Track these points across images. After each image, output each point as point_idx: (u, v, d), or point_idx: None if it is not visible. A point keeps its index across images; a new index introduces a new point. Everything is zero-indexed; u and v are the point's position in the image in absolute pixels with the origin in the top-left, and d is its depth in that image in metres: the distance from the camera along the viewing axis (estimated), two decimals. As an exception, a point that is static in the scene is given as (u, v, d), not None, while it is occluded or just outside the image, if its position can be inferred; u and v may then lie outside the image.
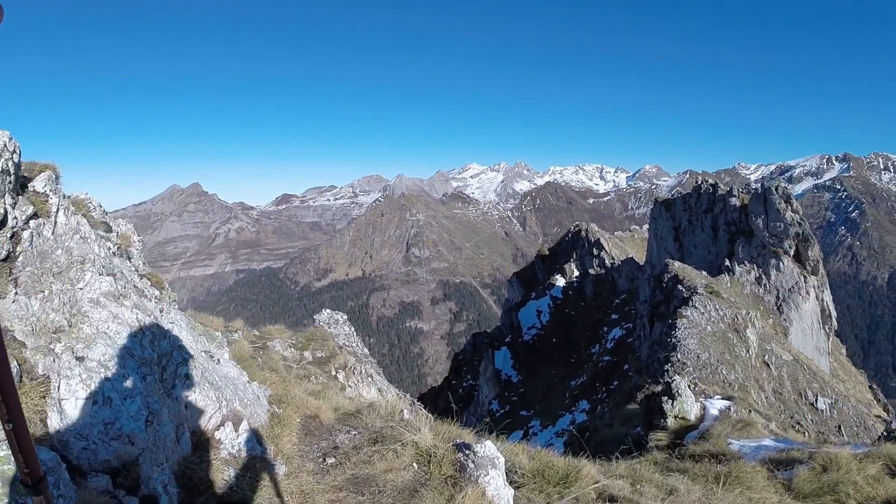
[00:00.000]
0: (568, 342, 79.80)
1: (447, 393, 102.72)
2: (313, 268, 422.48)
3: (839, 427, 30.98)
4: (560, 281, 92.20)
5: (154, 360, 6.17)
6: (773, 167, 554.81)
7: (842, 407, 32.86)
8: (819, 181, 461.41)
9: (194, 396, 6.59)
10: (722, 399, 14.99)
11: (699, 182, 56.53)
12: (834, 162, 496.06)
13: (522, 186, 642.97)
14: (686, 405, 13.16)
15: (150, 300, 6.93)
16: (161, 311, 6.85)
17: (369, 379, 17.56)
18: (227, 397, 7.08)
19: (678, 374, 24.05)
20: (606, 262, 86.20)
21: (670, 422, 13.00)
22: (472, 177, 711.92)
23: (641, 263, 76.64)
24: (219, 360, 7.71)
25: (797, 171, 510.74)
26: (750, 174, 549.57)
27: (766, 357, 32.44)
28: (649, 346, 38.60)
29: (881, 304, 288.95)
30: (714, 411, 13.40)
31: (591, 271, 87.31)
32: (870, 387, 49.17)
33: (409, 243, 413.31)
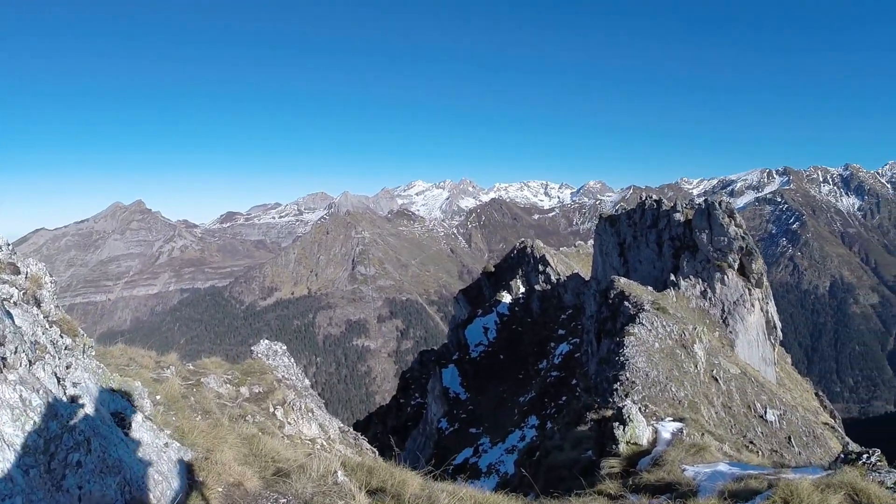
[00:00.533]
0: (516, 358, 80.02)
1: (395, 412, 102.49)
2: (258, 286, 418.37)
3: (789, 438, 31.45)
4: (506, 297, 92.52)
5: (40, 447, 5.19)
6: (715, 181, 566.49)
7: (790, 417, 33.39)
8: (760, 194, 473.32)
9: (89, 487, 5.60)
10: (673, 421, 15.01)
11: (643, 198, 57.20)
12: (774, 175, 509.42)
13: (468, 203, 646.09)
14: (638, 430, 13.17)
15: (56, 356, 6.13)
16: (67, 368, 6.16)
17: (310, 414, 16.72)
18: (132, 478, 6.25)
19: (628, 397, 24.16)
20: (552, 277, 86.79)
21: (622, 447, 12.99)
22: (417, 194, 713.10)
23: (587, 279, 77.34)
24: (131, 423, 6.97)
25: (739, 184, 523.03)
26: (693, 188, 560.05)
27: (714, 371, 32.81)
28: (597, 363, 38.84)
29: (823, 312, 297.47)
30: (666, 435, 13.42)
31: (537, 287, 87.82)
32: (816, 394, 50.32)
33: (355, 261, 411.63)
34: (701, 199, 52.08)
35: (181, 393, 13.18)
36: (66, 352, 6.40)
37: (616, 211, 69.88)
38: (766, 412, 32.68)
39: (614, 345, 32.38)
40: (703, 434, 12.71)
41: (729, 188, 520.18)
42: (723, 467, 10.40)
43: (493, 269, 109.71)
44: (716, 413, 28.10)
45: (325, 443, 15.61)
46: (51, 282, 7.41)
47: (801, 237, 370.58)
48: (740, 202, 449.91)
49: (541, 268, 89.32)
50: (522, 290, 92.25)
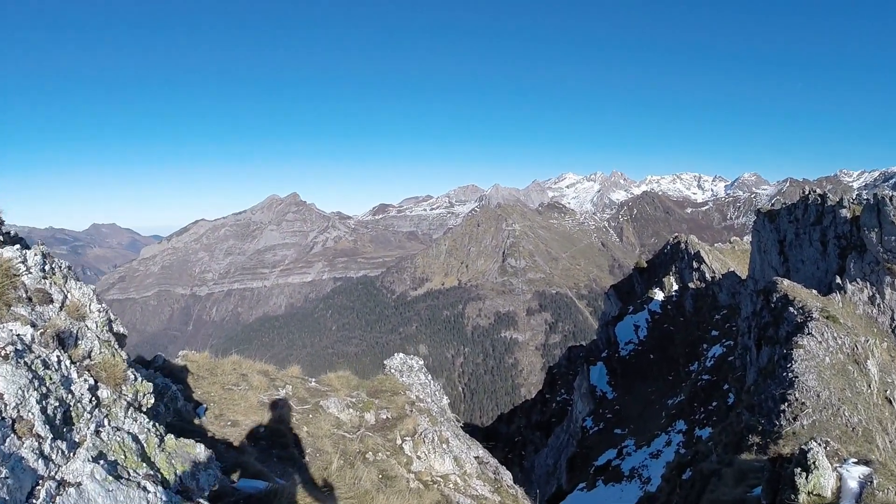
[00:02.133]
0: (666, 359, 77.43)
1: (540, 407, 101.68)
2: (409, 277, 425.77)
3: None
4: (658, 294, 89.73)
5: None
6: (876, 173, 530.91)
7: None
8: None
9: None
10: (858, 464, 13.14)
11: (805, 192, 53.50)
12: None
13: (619, 196, 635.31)
14: (822, 479, 11.54)
15: (84, 411, 4.98)
16: (96, 430, 4.93)
17: (444, 446, 14.20)
18: None
19: (797, 420, 21.94)
20: (707, 275, 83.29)
21: (802, 498, 11.40)
22: (567, 186, 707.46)
23: (743, 277, 73.78)
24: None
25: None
26: (852, 181, 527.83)
27: (888, 392, 29.96)
28: (757, 373, 36.46)
29: None
30: (853, 484, 11.66)
31: (691, 285, 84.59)
32: None
33: (505, 253, 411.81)
34: (870, 194, 47.95)
35: (295, 421, 12.20)
36: (96, 411, 5.16)
37: (772, 204, 66.05)
38: None
39: (779, 357, 29.87)
40: None
41: (892, 180, 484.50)
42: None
43: (645, 265, 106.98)
44: (890, 442, 25.34)
45: (459, 479, 13.60)
46: (100, 309, 6.40)
47: None
48: None
49: (695, 264, 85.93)
50: (675, 287, 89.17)
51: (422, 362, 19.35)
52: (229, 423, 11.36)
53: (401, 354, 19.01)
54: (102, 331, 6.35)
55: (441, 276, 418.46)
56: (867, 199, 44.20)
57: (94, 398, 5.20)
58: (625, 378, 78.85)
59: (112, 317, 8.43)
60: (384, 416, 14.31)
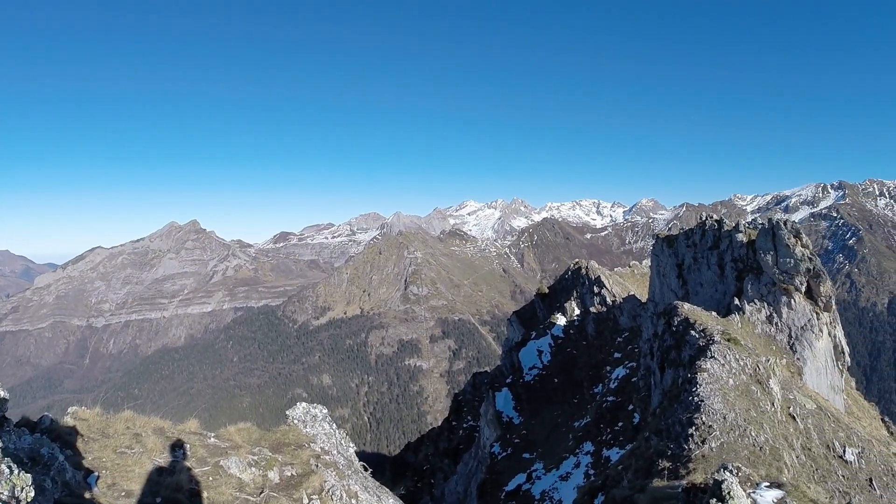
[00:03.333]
0: (570, 382, 78.74)
1: (447, 434, 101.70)
2: (311, 306, 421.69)
3: (870, 480, 29.86)
4: (561, 319, 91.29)
5: None
6: (769, 197, 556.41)
7: (869, 455, 31.68)
8: (815, 210, 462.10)
9: None
10: (770, 488, 13.56)
11: (703, 218, 55.58)
12: (829, 190, 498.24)
13: (520, 223, 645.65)
14: None
15: None
16: None
17: (353, 501, 13.59)
18: None
19: (706, 444, 22.50)
20: (608, 299, 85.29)
21: None
22: (469, 214, 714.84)
23: (643, 300, 75.81)
24: None
25: (793, 200, 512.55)
26: (746, 205, 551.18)
27: (791, 409, 31.13)
28: (661, 395, 37.39)
29: (882, 330, 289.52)
30: None
31: (592, 309, 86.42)
32: (882, 420, 48.21)
33: (408, 281, 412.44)
34: (763, 218, 50.24)
35: (188, 489, 11.21)
36: None
37: (669, 229, 68.38)
38: (844, 451, 30.99)
39: (683, 380, 30.70)
40: None
41: (783, 204, 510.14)
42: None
43: (546, 291, 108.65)
44: (796, 457, 26.27)
45: None
46: None
47: (857, 253, 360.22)
48: (795, 218, 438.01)
49: (596, 289, 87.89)
50: (577, 311, 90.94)
51: (325, 411, 18.45)
52: (123, 494, 10.55)
53: (303, 404, 18.15)
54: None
55: (343, 304, 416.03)
56: (762, 224, 46.29)
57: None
58: (530, 403, 79.73)
59: None
60: (289, 474, 13.55)
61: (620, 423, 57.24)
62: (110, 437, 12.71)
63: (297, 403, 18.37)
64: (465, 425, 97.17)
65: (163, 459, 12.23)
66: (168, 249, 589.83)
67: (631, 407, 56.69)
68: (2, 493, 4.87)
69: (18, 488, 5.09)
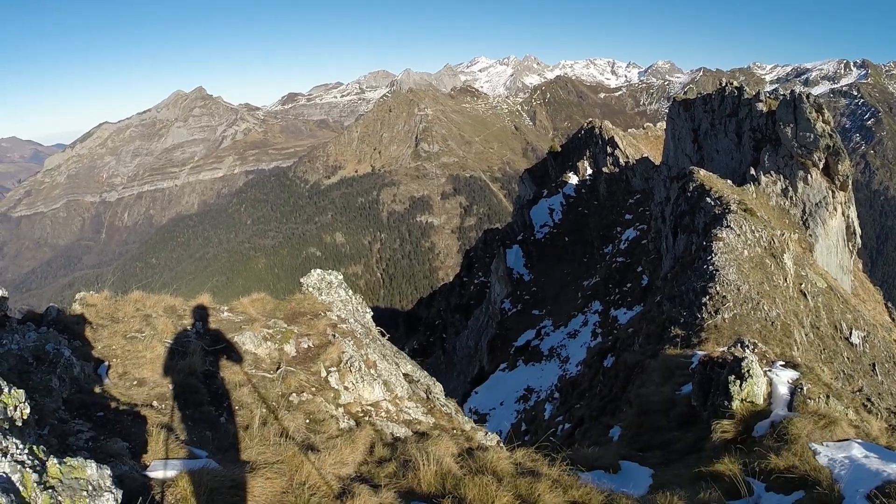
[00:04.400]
0: (581, 241, 79.50)
1: (459, 290, 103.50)
2: (322, 165, 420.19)
3: (873, 365, 30.32)
4: (573, 179, 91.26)
5: None
6: (789, 69, 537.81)
7: (873, 340, 32.05)
8: (836, 86, 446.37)
9: None
10: (786, 367, 13.53)
11: (722, 83, 54.48)
12: (852, 68, 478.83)
13: (532, 80, 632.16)
14: (756, 387, 11.85)
15: None
16: None
17: (372, 371, 12.89)
18: None
19: (719, 314, 22.28)
20: (620, 160, 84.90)
21: (736, 405, 11.69)
22: (480, 70, 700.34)
23: (656, 163, 75.50)
24: None
25: (814, 74, 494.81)
26: (765, 74, 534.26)
27: (803, 285, 31.11)
28: (673, 260, 37.76)
29: (892, 214, 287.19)
30: (783, 389, 11.97)
31: (605, 169, 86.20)
32: (886, 305, 48.68)
33: (418, 138, 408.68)
34: (784, 89, 49.29)
35: (202, 371, 10.53)
36: None
37: (685, 93, 67.17)
38: (851, 334, 31.29)
39: (698, 248, 30.69)
40: (827, 396, 11.31)
41: (803, 77, 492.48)
42: (857, 452, 9.25)
43: (559, 149, 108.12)
44: (806, 336, 26.30)
45: (391, 405, 12.52)
46: None
47: (875, 134, 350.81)
48: (815, 92, 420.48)
49: (609, 149, 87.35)
50: (589, 171, 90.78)
51: (341, 277, 17.46)
52: (135, 383, 9.98)
53: (318, 270, 17.02)
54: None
55: (354, 163, 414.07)
56: (784, 95, 45.36)
57: None
58: (541, 260, 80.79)
59: None
60: (305, 346, 12.79)
61: (629, 284, 58.22)
62: (120, 321, 12.01)
63: (312, 270, 17.24)
64: (476, 281, 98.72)
65: (175, 342, 11.45)
66: (175, 118, 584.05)
67: (640, 269, 57.54)
68: None
69: (11, 407, 4.58)
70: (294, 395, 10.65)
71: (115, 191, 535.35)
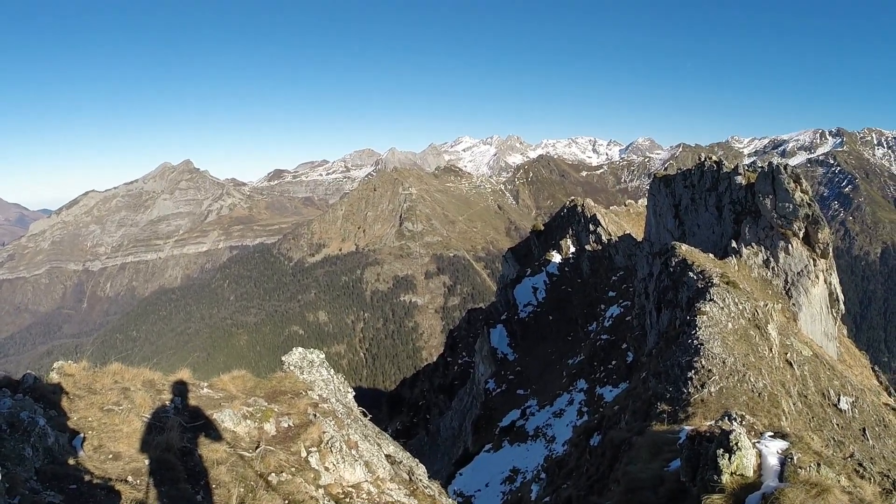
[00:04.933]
0: (565, 320, 79.20)
1: (443, 370, 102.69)
2: (306, 243, 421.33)
3: (863, 430, 30.05)
4: (556, 257, 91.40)
5: None
6: (766, 141, 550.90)
7: (861, 404, 31.84)
8: (812, 155, 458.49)
9: None
10: (775, 438, 13.33)
11: (701, 159, 55.25)
12: (827, 136, 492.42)
13: (515, 159, 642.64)
14: (745, 460, 11.65)
15: None
16: None
17: (353, 452, 12.73)
18: None
19: (705, 388, 22.19)
20: (603, 237, 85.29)
21: (726, 479, 11.47)
22: (464, 150, 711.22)
23: (638, 239, 75.88)
24: None
25: (790, 145, 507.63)
26: (743, 148, 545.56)
27: (788, 355, 31.07)
28: (658, 336, 37.47)
29: (873, 279, 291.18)
30: (773, 460, 11.77)
31: (588, 247, 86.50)
32: (873, 369, 48.61)
33: (403, 217, 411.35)
34: (762, 162, 49.97)
35: (179, 448, 10.45)
36: None
37: (666, 169, 67.98)
38: (839, 400, 31.11)
39: (682, 322, 30.53)
40: (818, 464, 11.02)
41: (780, 148, 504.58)
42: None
43: (542, 228, 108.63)
44: (794, 405, 26.12)
45: (372, 486, 12.26)
46: None
47: (853, 201, 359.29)
48: (792, 163, 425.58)
49: (591, 227, 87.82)
50: (572, 249, 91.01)
51: (322, 356, 17.41)
52: (110, 457, 9.89)
53: (300, 349, 17.26)
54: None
55: (338, 241, 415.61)
56: (762, 167, 45.98)
57: None
58: (525, 339, 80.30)
59: None
60: (286, 425, 12.82)
61: (614, 362, 57.78)
62: (97, 392, 12.02)
63: (294, 349, 17.27)
64: (460, 361, 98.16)
65: (152, 416, 11.55)
66: (162, 190, 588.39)
67: (625, 346, 57.13)
68: None
69: None
70: (273, 474, 10.48)
71: (98, 260, 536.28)
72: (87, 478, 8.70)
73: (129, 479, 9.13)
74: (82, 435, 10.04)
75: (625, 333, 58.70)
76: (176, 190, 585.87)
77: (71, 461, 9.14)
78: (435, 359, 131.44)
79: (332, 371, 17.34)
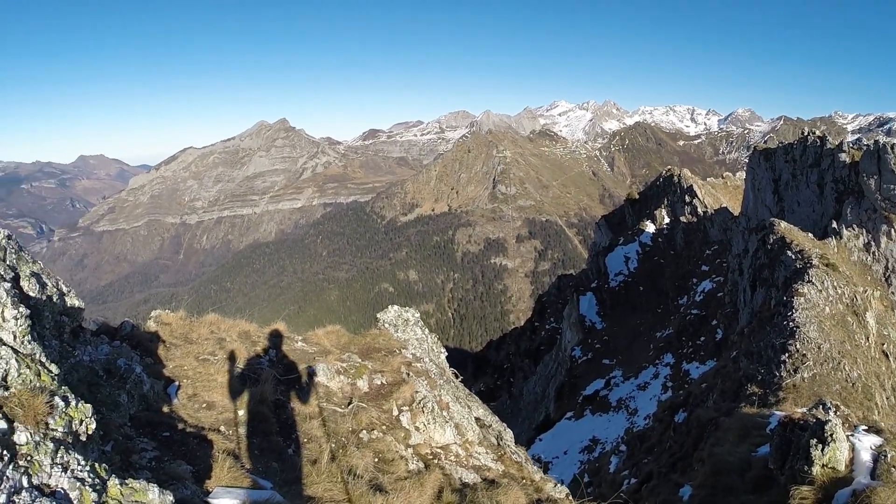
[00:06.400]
0: (655, 291, 78.32)
1: (529, 334, 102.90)
2: (399, 202, 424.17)
3: None
4: (650, 227, 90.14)
5: None
6: (871, 118, 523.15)
7: None
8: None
9: None
10: (869, 433, 12.92)
11: (805, 133, 53.31)
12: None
13: (611, 126, 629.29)
14: (839, 453, 11.31)
15: None
16: (7, 499, 3.75)
17: (444, 413, 12.42)
18: None
19: (798, 372, 21.45)
20: (699, 209, 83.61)
21: (816, 471, 11.18)
22: (560, 114, 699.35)
23: (735, 213, 74.19)
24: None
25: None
26: (847, 124, 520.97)
27: (885, 346, 29.77)
28: (751, 314, 36.77)
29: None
30: (866, 456, 11.39)
31: (683, 219, 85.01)
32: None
33: (496, 180, 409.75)
34: (868, 140, 47.69)
35: (272, 400, 10.32)
36: (9, 470, 3.85)
37: (766, 142, 65.64)
38: None
39: (777, 303, 29.75)
40: None
41: (886, 126, 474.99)
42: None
43: (636, 196, 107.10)
44: (887, 399, 24.86)
45: (461, 449, 11.92)
46: (17, 315, 4.96)
47: None
48: None
49: (687, 198, 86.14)
50: (667, 220, 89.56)
51: (417, 315, 17.05)
52: (203, 406, 9.85)
53: (395, 307, 16.68)
54: (24, 341, 4.99)
55: (431, 201, 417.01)
56: (867, 146, 43.78)
57: (6, 452, 3.89)
58: (614, 309, 79.79)
59: (64, 289, 7.26)
60: (378, 383, 12.48)
61: (702, 338, 56.98)
62: (193, 342, 11.96)
63: (389, 306, 16.77)
64: (547, 327, 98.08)
65: (247, 367, 11.40)
66: (258, 148, 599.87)
67: (714, 322, 56.25)
68: (55, 430, 4.16)
69: (77, 421, 4.46)
70: (364, 432, 10.43)
71: (195, 214, 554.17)
72: (180, 426, 8.65)
73: (222, 428, 9.16)
74: (177, 383, 10.09)
75: (715, 310, 57.81)
76: (272, 147, 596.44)
77: (165, 409, 9.16)
78: (522, 322, 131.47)
79: (427, 330, 17.02)
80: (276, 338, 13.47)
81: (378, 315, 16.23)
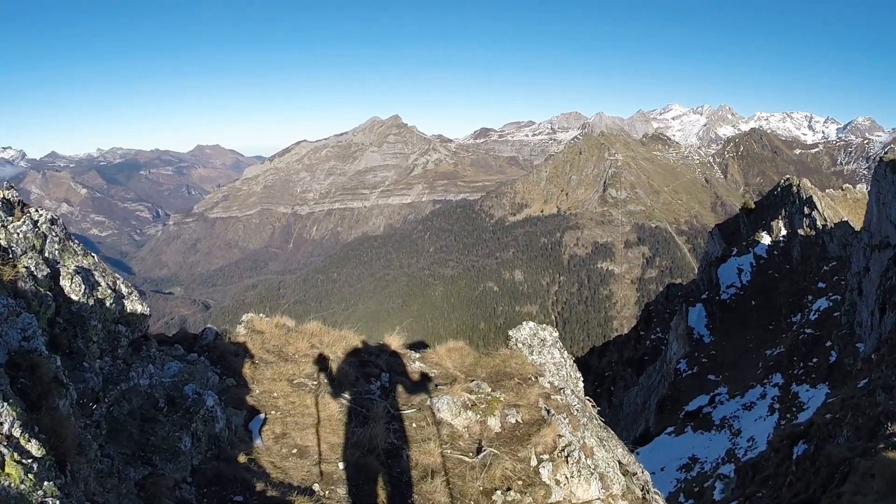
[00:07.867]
0: (768, 307, 75.59)
1: (634, 343, 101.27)
2: (508, 202, 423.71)
3: None
4: (765, 238, 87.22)
5: None
6: None
7: None
8: None
9: None
10: None
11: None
12: None
13: (725, 131, 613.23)
14: None
15: None
16: None
17: (589, 462, 9.75)
18: None
19: None
20: (818, 222, 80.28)
21: None
22: (673, 118, 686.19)
23: (856, 228, 70.95)
24: None
25: None
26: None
27: None
28: (878, 340, 34.83)
29: None
30: None
31: (800, 231, 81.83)
32: None
33: (607, 183, 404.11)
34: None
35: (385, 447, 8.66)
36: None
37: (886, 152, 62.16)
38: None
39: None
40: None
41: None
42: None
43: (752, 206, 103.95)
44: None
45: None
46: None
47: None
48: None
49: (806, 210, 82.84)
50: (784, 232, 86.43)
51: (556, 335, 14.53)
52: (294, 451, 8.23)
53: (531, 324, 14.17)
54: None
55: (540, 202, 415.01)
56: None
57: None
58: (724, 323, 77.51)
59: (124, 291, 6.40)
60: (513, 421, 10.11)
61: (815, 359, 54.62)
62: (289, 359, 10.45)
63: (523, 323, 14.24)
64: (652, 336, 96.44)
65: (353, 397, 9.75)
66: (370, 143, 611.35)
67: (829, 343, 53.90)
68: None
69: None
70: (499, 492, 8.40)
71: (306, 205, 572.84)
72: (259, 485, 7.03)
73: (316, 487, 7.54)
74: (263, 416, 8.60)
75: (831, 330, 55.34)
76: (384, 143, 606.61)
77: (241, 457, 7.64)
78: (626, 330, 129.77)
79: (566, 353, 14.51)
80: (389, 356, 12.00)
81: (510, 332, 13.96)
